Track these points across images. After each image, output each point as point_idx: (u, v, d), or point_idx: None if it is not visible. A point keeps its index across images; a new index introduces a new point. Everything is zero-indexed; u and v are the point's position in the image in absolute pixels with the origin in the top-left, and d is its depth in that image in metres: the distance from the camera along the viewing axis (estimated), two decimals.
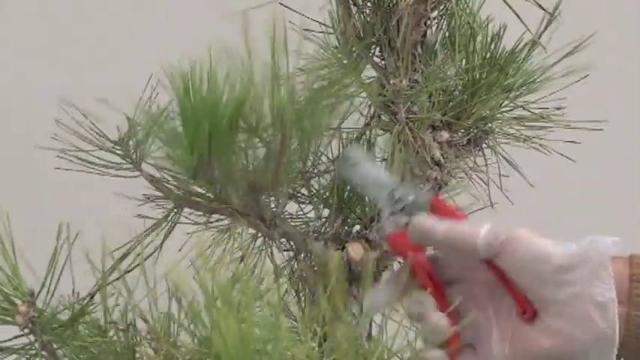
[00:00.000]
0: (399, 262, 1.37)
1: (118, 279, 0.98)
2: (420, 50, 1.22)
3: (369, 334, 1.24)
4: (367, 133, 1.31)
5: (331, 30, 1.26)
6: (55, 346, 0.99)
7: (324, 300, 0.97)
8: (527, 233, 1.03)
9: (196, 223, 1.27)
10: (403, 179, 1.15)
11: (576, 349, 1.01)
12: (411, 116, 1.19)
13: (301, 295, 1.28)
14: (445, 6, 1.24)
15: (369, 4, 1.23)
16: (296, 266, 1.30)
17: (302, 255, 1.30)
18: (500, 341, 1.04)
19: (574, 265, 1.01)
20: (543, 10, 1.14)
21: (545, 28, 1.18)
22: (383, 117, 1.23)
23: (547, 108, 1.26)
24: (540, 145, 1.24)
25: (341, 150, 1.32)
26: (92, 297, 0.97)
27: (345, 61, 1.26)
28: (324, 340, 1.04)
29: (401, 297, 1.08)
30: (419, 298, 1.05)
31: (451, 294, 1.07)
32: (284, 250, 1.29)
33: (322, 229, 1.28)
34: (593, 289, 1.00)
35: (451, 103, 1.21)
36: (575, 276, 1.01)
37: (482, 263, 1.05)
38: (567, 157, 1.26)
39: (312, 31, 1.25)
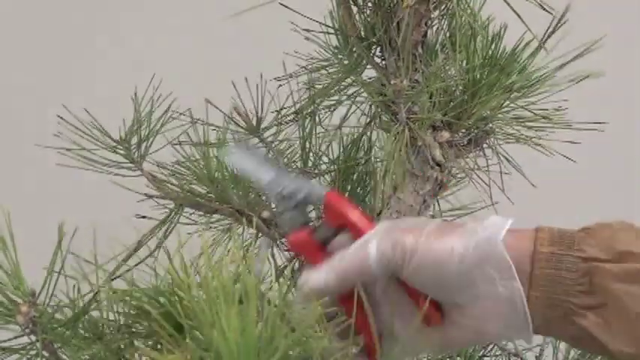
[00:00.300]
0: None
1: (118, 276, 0.98)
2: (420, 50, 1.22)
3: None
4: (368, 132, 1.31)
5: (332, 30, 1.27)
6: (56, 345, 0.99)
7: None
8: (412, 242, 1.00)
9: (197, 223, 1.27)
10: (296, 174, 1.13)
11: (488, 339, 1.04)
12: (411, 116, 1.19)
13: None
14: (446, 6, 1.24)
15: (369, 4, 1.23)
16: (297, 266, 1.30)
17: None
18: (407, 335, 1.03)
19: (471, 266, 0.99)
20: (548, 12, 1.13)
21: (553, 32, 1.18)
22: (383, 117, 1.23)
23: (547, 109, 1.26)
24: (541, 145, 1.24)
25: (340, 150, 1.32)
26: (94, 296, 0.97)
27: (345, 62, 1.26)
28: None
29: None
30: (305, 277, 1.03)
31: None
32: (285, 250, 1.29)
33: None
34: (496, 286, 0.98)
35: (452, 103, 1.21)
36: (474, 276, 0.99)
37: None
38: (567, 158, 1.26)
39: (313, 31, 1.25)
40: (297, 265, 1.30)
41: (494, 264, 0.99)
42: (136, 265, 1.00)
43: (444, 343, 1.03)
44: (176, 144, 1.27)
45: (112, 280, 1.00)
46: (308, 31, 1.24)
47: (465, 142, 1.24)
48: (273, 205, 1.03)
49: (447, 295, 1.01)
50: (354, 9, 1.24)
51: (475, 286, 0.99)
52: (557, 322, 0.98)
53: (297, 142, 1.32)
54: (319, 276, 1.02)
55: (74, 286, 0.97)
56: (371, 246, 1.01)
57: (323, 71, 1.27)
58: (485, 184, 1.25)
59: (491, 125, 1.24)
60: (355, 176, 1.31)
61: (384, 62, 1.24)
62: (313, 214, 1.10)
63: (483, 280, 0.99)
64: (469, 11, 1.22)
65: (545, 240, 0.99)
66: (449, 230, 1.01)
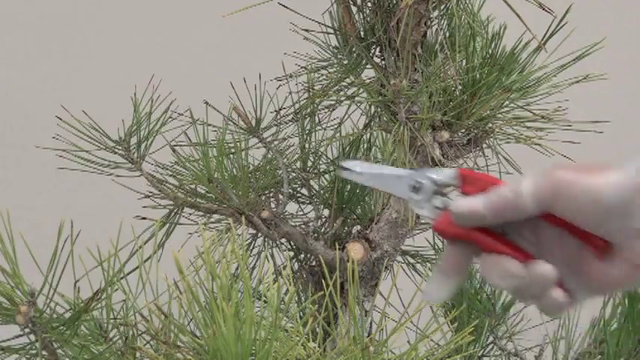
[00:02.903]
0: (398, 261, 1.37)
1: (120, 279, 0.98)
2: (420, 50, 1.22)
3: (369, 334, 1.24)
4: (367, 133, 1.31)
5: (331, 30, 1.27)
6: (55, 345, 0.99)
7: (326, 300, 0.97)
8: (568, 174, 0.98)
9: (197, 224, 1.27)
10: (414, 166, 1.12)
11: None
12: (411, 116, 1.19)
13: (301, 295, 1.28)
14: (445, 6, 1.24)
15: (369, 4, 1.23)
16: (296, 266, 1.30)
17: (302, 255, 1.30)
18: (573, 280, 1.00)
19: (627, 197, 0.97)
20: (548, 12, 1.13)
21: (553, 33, 1.18)
22: (383, 117, 1.23)
23: (547, 109, 1.26)
24: (540, 145, 1.24)
25: (340, 151, 1.32)
26: (94, 296, 0.97)
27: (345, 62, 1.26)
28: (324, 340, 1.04)
29: (462, 279, 1.05)
30: (510, 267, 0.99)
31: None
32: (284, 250, 1.29)
33: (322, 230, 1.28)
34: None
35: (451, 103, 1.21)
36: (630, 208, 0.97)
37: (538, 219, 1.00)
38: (568, 157, 1.26)
39: (312, 30, 1.25)
40: (296, 265, 1.30)
41: None
42: (137, 267, 1.00)
43: (610, 282, 0.99)
44: (175, 145, 1.27)
45: (115, 280, 1.00)
46: (307, 30, 1.24)
47: (465, 142, 1.24)
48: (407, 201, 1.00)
49: (605, 228, 0.98)
50: (354, 9, 1.24)
51: (634, 217, 0.97)
52: None
53: (297, 142, 1.32)
54: (477, 201, 0.99)
55: (75, 285, 0.97)
56: (526, 182, 0.98)
57: (322, 71, 1.27)
58: None
59: (490, 125, 1.24)
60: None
61: (383, 62, 1.24)
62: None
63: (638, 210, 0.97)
64: (468, 11, 1.22)
65: None
66: (602, 168, 0.99)
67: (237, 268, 1.04)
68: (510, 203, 0.99)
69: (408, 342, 1.18)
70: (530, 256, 0.99)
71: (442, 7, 1.24)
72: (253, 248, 1.30)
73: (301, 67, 1.27)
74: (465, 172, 1.01)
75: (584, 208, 0.98)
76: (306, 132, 1.31)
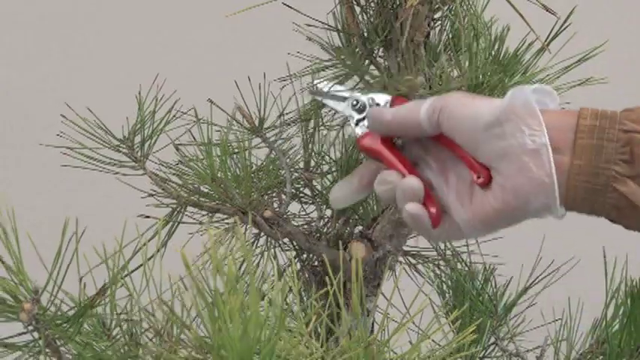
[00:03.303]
0: (400, 261, 1.37)
1: (125, 277, 0.98)
2: (423, 51, 1.22)
3: (371, 334, 1.24)
4: None
5: (334, 30, 1.27)
6: (59, 342, 0.99)
7: (328, 299, 0.98)
8: (458, 96, 1.07)
9: (200, 223, 1.27)
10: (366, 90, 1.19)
11: (521, 204, 1.02)
12: None
13: (304, 294, 1.29)
14: (449, 7, 1.24)
15: (372, 4, 1.23)
16: (299, 266, 1.30)
17: (305, 255, 1.30)
18: (460, 207, 1.07)
19: (501, 118, 1.02)
20: (552, 14, 1.14)
21: (557, 35, 1.19)
22: None
23: None
24: None
25: (344, 151, 1.32)
26: (98, 293, 0.98)
27: (348, 62, 1.26)
28: (327, 340, 1.04)
29: (364, 189, 1.13)
30: (386, 175, 1.09)
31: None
32: (286, 250, 1.29)
33: (325, 229, 1.29)
34: (524, 138, 1.01)
35: None
36: (503, 129, 1.02)
37: (432, 139, 1.09)
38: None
39: (316, 26, 1.25)
40: (298, 265, 1.30)
41: (525, 119, 1.01)
42: (141, 265, 1.00)
43: (487, 212, 1.05)
44: (179, 144, 1.27)
45: (119, 277, 1.00)
46: (310, 26, 1.24)
47: None
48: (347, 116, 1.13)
49: (481, 149, 1.04)
50: (357, 9, 1.24)
51: (504, 138, 1.02)
52: (599, 192, 1.00)
53: (300, 142, 1.32)
54: (388, 109, 1.10)
55: (80, 280, 0.97)
56: (422, 106, 1.07)
57: (326, 71, 1.27)
58: None
59: None
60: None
61: (386, 63, 1.24)
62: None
63: (513, 133, 1.01)
64: (472, 12, 1.23)
65: (587, 115, 1.02)
66: (491, 98, 1.06)
67: (241, 265, 1.04)
68: (410, 115, 1.08)
69: (410, 342, 1.18)
70: (414, 173, 1.09)
71: (445, 8, 1.24)
72: (256, 248, 1.30)
73: (305, 68, 1.28)
74: (397, 98, 1.13)
75: (464, 127, 1.05)
76: (309, 132, 1.31)
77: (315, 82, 1.17)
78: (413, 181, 1.07)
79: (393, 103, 1.12)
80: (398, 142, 1.13)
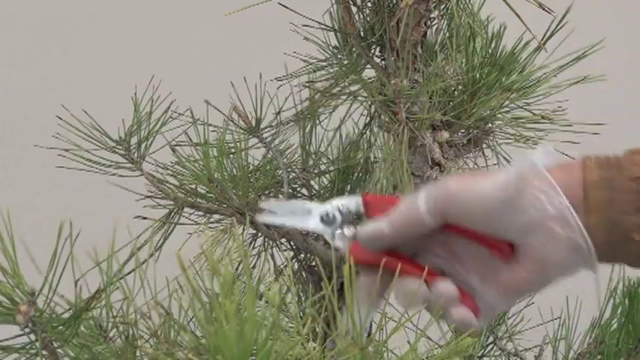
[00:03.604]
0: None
1: (121, 278, 0.98)
2: (420, 50, 1.22)
3: (369, 334, 1.24)
4: (367, 132, 1.31)
5: (331, 30, 1.27)
6: (55, 344, 0.99)
7: (325, 299, 0.97)
8: (456, 182, 1.01)
9: (197, 224, 1.27)
10: (325, 200, 1.13)
11: (557, 269, 1.00)
12: (411, 116, 1.19)
13: (301, 294, 1.28)
14: (445, 6, 1.24)
15: (369, 4, 1.23)
16: (296, 266, 1.30)
17: (302, 255, 1.30)
18: (489, 288, 1.03)
19: (512, 193, 0.99)
20: (548, 12, 1.13)
21: (553, 33, 1.18)
22: (383, 117, 1.23)
23: (547, 109, 1.26)
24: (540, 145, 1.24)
25: (341, 150, 1.32)
26: (94, 295, 0.97)
27: (345, 61, 1.26)
28: (324, 340, 1.04)
29: (377, 304, 1.07)
30: (407, 284, 1.02)
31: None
32: (284, 250, 1.29)
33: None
34: (543, 205, 0.98)
35: (451, 103, 1.21)
36: (519, 202, 0.99)
37: (439, 231, 1.03)
38: (568, 156, 1.26)
39: (312, 26, 1.25)
40: (296, 265, 1.30)
41: (539, 186, 0.99)
42: (137, 267, 1.00)
43: (519, 285, 1.02)
44: (175, 145, 1.27)
45: (115, 280, 1.00)
46: (306, 26, 1.24)
47: (465, 142, 1.24)
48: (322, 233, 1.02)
49: (500, 228, 1.00)
50: (354, 9, 1.24)
51: (524, 212, 0.99)
52: (619, 244, 0.99)
53: (297, 142, 1.32)
54: (380, 222, 1.02)
55: (76, 283, 0.97)
56: (420, 196, 1.01)
57: (323, 71, 1.27)
58: None
59: (490, 125, 1.24)
60: (355, 176, 1.31)
61: (383, 62, 1.24)
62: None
63: (531, 204, 0.99)
64: (468, 11, 1.22)
65: (592, 166, 1.00)
66: (491, 172, 1.02)
67: (238, 266, 1.04)
68: (410, 218, 1.01)
69: (408, 342, 1.18)
70: (435, 275, 1.01)
71: (442, 7, 1.24)
72: (253, 248, 1.30)
73: (302, 68, 1.27)
74: (368, 197, 1.03)
75: (475, 211, 1.00)
76: (307, 132, 1.31)
77: (264, 205, 1.02)
78: (447, 287, 1.01)
79: (366, 204, 1.03)
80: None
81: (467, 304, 1.02)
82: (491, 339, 1.40)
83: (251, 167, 1.29)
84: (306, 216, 1.02)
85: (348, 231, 1.02)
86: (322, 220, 1.02)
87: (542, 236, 0.99)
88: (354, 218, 1.03)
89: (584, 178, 0.99)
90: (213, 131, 1.26)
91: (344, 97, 1.26)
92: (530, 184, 0.99)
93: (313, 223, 1.02)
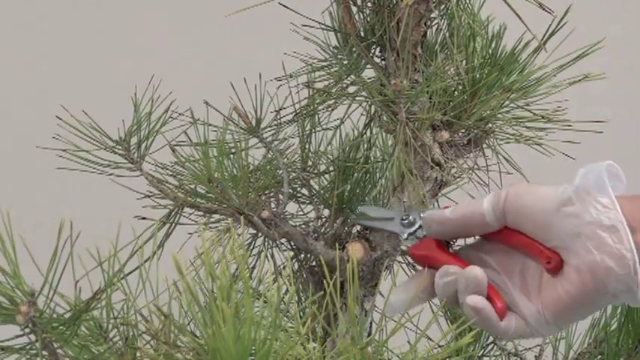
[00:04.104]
0: (399, 261, 1.37)
1: (121, 279, 0.98)
2: (420, 50, 1.22)
3: (369, 334, 1.24)
4: (367, 133, 1.31)
5: (331, 30, 1.27)
6: (55, 345, 0.99)
7: (326, 300, 0.97)
8: (523, 184, 1.06)
9: (197, 224, 1.27)
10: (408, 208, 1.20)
11: (599, 284, 0.99)
12: (411, 116, 1.19)
13: (301, 295, 1.28)
14: (445, 6, 1.24)
15: (369, 3, 1.23)
16: (296, 266, 1.30)
17: (302, 255, 1.30)
18: (527, 301, 1.05)
19: (574, 197, 1.01)
20: (548, 12, 1.13)
21: (553, 33, 1.18)
22: (383, 117, 1.23)
23: (547, 109, 1.26)
24: (540, 145, 1.24)
25: (340, 151, 1.32)
26: (94, 296, 0.97)
27: (345, 61, 1.26)
28: (324, 340, 1.04)
29: (420, 298, 1.10)
30: (449, 267, 1.06)
31: None
32: (284, 250, 1.29)
33: (323, 229, 1.28)
34: (599, 215, 1.00)
35: (451, 103, 1.21)
36: (577, 208, 1.01)
37: (490, 239, 1.07)
38: (568, 156, 1.26)
39: (312, 26, 1.25)
40: (296, 265, 1.30)
41: (599, 199, 1.00)
42: (138, 267, 1.00)
43: (559, 300, 1.03)
44: (175, 145, 1.27)
45: (115, 280, 1.00)
46: (306, 25, 1.24)
47: (465, 142, 1.24)
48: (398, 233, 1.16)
49: (553, 232, 1.02)
50: (354, 9, 1.24)
51: (579, 217, 1.01)
52: None
53: (297, 142, 1.32)
54: (444, 211, 1.09)
55: (76, 284, 0.97)
56: (484, 199, 1.07)
57: (322, 71, 1.27)
58: (485, 184, 1.25)
59: (490, 125, 1.24)
60: (355, 176, 1.31)
61: (383, 62, 1.24)
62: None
63: (587, 211, 1.00)
64: (468, 11, 1.23)
65: None
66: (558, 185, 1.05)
67: (237, 269, 1.04)
68: (473, 211, 1.06)
69: (408, 342, 1.18)
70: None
71: (442, 7, 1.24)
72: (253, 248, 1.30)
73: (301, 68, 1.27)
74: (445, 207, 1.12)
75: (534, 210, 1.03)
76: (307, 132, 1.31)
77: (360, 208, 1.20)
78: (476, 271, 1.04)
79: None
80: (454, 248, 1.12)
81: (493, 300, 1.04)
82: (491, 339, 1.40)
83: (251, 167, 1.29)
84: (389, 220, 1.16)
85: (420, 233, 1.13)
86: (402, 221, 1.14)
87: (590, 243, 1.00)
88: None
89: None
90: (213, 131, 1.26)
91: (344, 97, 1.26)
92: (592, 195, 1.01)
93: (392, 224, 1.15)
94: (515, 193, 1.05)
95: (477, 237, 1.12)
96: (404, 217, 1.14)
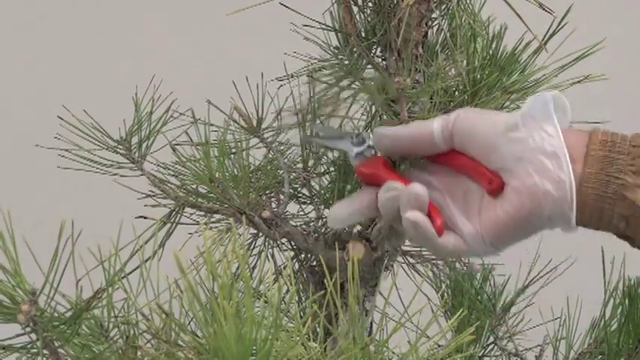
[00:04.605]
0: (399, 261, 1.37)
1: (122, 278, 0.98)
2: (421, 50, 1.22)
3: (369, 334, 1.24)
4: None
5: (332, 30, 1.27)
6: (56, 344, 0.99)
7: (326, 299, 0.97)
8: (475, 109, 1.10)
9: (198, 223, 1.27)
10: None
11: (536, 207, 1.03)
12: (412, 116, 1.19)
13: (302, 294, 1.28)
14: (446, 6, 1.24)
15: (370, 4, 1.23)
16: (297, 266, 1.30)
17: (303, 255, 1.30)
18: (466, 221, 1.08)
19: (520, 122, 1.05)
20: (548, 12, 1.14)
21: (554, 34, 1.19)
22: (384, 116, 1.23)
23: None
24: None
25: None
26: (95, 295, 0.97)
27: (346, 62, 1.26)
28: (325, 340, 1.04)
29: (364, 211, 1.13)
30: (392, 183, 1.09)
31: None
32: (285, 250, 1.29)
33: (323, 230, 1.29)
34: (542, 142, 1.03)
35: (452, 103, 1.21)
36: (522, 133, 1.04)
37: (436, 160, 1.10)
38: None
39: (313, 26, 1.25)
40: (296, 265, 1.30)
41: (544, 127, 1.04)
42: (138, 266, 1.00)
43: (497, 221, 1.06)
44: (176, 144, 1.27)
45: (116, 279, 1.00)
46: (307, 26, 1.24)
47: None
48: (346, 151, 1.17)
49: (497, 154, 1.05)
50: (355, 9, 1.24)
51: (523, 142, 1.04)
52: (609, 199, 1.02)
53: (298, 142, 1.32)
54: (393, 128, 1.11)
55: (77, 283, 0.97)
56: (434, 119, 1.09)
57: (323, 71, 1.27)
58: None
59: None
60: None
61: (384, 62, 1.24)
62: None
63: (531, 137, 1.04)
64: (469, 11, 1.23)
65: (599, 133, 1.05)
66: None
67: (238, 268, 1.04)
68: (423, 131, 1.09)
69: (409, 342, 1.18)
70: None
71: (443, 8, 1.24)
72: (254, 248, 1.30)
73: (302, 68, 1.28)
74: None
75: (481, 130, 1.07)
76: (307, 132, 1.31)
77: (314, 127, 1.22)
78: (418, 187, 1.07)
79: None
80: (400, 168, 1.14)
81: (433, 218, 1.08)
82: (491, 339, 1.40)
83: (252, 167, 1.29)
84: (338, 139, 1.17)
85: (368, 152, 1.14)
86: (351, 139, 1.15)
87: (531, 166, 1.04)
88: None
89: (590, 139, 1.04)
90: (214, 131, 1.26)
91: (344, 97, 1.26)
92: (537, 120, 1.05)
93: (342, 143, 1.16)
94: (464, 116, 1.07)
95: (423, 159, 1.14)
96: (354, 136, 1.15)
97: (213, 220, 1.27)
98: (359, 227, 1.30)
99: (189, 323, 0.92)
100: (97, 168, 1.26)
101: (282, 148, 1.31)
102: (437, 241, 1.07)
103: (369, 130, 1.16)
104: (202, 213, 1.26)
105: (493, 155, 1.06)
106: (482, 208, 1.07)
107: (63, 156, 1.25)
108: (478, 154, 1.07)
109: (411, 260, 1.41)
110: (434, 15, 1.23)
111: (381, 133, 1.12)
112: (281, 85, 1.28)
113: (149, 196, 1.26)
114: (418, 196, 1.06)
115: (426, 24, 1.22)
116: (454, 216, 1.09)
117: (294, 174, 1.31)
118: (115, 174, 1.27)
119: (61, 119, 1.25)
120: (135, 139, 1.27)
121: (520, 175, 1.04)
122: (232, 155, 1.27)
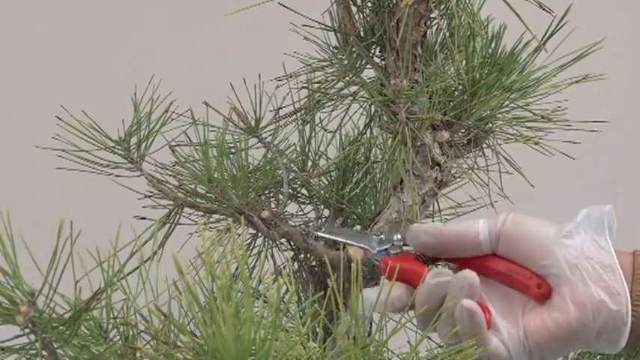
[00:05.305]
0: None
1: (121, 279, 0.98)
2: (420, 50, 1.22)
3: (369, 334, 1.24)
4: (367, 133, 1.31)
5: (331, 30, 1.27)
6: (55, 345, 0.99)
7: (326, 299, 0.97)
8: (521, 214, 1.07)
9: (197, 224, 1.27)
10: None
11: (588, 318, 1.00)
12: (411, 116, 1.19)
13: (301, 295, 1.28)
14: (445, 6, 1.24)
15: (369, 3, 1.23)
16: (296, 266, 1.30)
17: (302, 255, 1.30)
18: (509, 327, 1.04)
19: (573, 232, 1.03)
20: (548, 12, 1.13)
21: (553, 33, 1.18)
22: (383, 117, 1.23)
23: (547, 109, 1.26)
24: (540, 145, 1.24)
25: (340, 151, 1.32)
26: (94, 296, 0.97)
27: (345, 62, 1.26)
28: (324, 340, 1.04)
29: (394, 306, 1.09)
30: (442, 269, 1.06)
31: None
32: (284, 250, 1.29)
33: (322, 230, 1.28)
34: (598, 253, 1.02)
35: (451, 103, 1.21)
36: (577, 242, 1.03)
37: (473, 266, 1.06)
38: (567, 156, 1.26)
39: (312, 26, 1.25)
40: (296, 265, 1.30)
41: (597, 237, 1.03)
42: (137, 267, 1.00)
43: (543, 329, 1.03)
44: (175, 145, 1.27)
45: (114, 280, 1.00)
46: (306, 26, 1.24)
47: (465, 142, 1.24)
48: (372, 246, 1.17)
49: (549, 258, 1.03)
50: (354, 9, 1.24)
51: (577, 248, 1.03)
52: None
53: (297, 142, 1.32)
54: (437, 224, 1.09)
55: (76, 284, 0.97)
56: (480, 220, 1.07)
57: (322, 71, 1.27)
58: (485, 184, 1.25)
59: (490, 125, 1.24)
60: (354, 176, 1.31)
61: (383, 62, 1.24)
62: None
63: (587, 246, 1.02)
64: (468, 11, 1.23)
65: None
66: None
67: (237, 268, 1.04)
68: (467, 230, 1.07)
69: (409, 342, 1.18)
70: None
71: (442, 7, 1.24)
72: (253, 248, 1.30)
73: (301, 68, 1.27)
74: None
75: (533, 237, 1.04)
76: (306, 132, 1.31)
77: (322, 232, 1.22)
78: (471, 274, 1.03)
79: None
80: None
81: (483, 310, 1.03)
82: None
83: (251, 167, 1.29)
84: (365, 237, 1.18)
85: (393, 249, 1.14)
86: (374, 239, 1.16)
87: (587, 275, 1.02)
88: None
89: (634, 258, 1.03)
90: (212, 131, 1.26)
91: (343, 97, 1.26)
92: (591, 235, 1.03)
93: (366, 241, 1.17)
94: (513, 219, 1.06)
95: (454, 265, 1.11)
96: (377, 234, 1.16)
97: (212, 220, 1.27)
98: (358, 227, 1.30)
99: (188, 324, 0.92)
100: (96, 168, 1.26)
101: (280, 147, 1.31)
102: (486, 335, 1.03)
103: (398, 231, 1.15)
104: (201, 213, 1.26)
105: (545, 260, 1.03)
106: (525, 314, 1.05)
107: (61, 156, 1.25)
108: (527, 258, 1.05)
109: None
110: (433, 15, 1.23)
111: (418, 230, 1.09)
112: (278, 86, 1.28)
113: (148, 196, 1.26)
114: (473, 284, 1.02)
115: (425, 24, 1.22)
116: (494, 317, 1.05)
117: (293, 174, 1.31)
118: (114, 174, 1.27)
119: (60, 119, 1.25)
120: (134, 140, 1.27)
121: (574, 283, 1.02)
122: (231, 155, 1.27)
